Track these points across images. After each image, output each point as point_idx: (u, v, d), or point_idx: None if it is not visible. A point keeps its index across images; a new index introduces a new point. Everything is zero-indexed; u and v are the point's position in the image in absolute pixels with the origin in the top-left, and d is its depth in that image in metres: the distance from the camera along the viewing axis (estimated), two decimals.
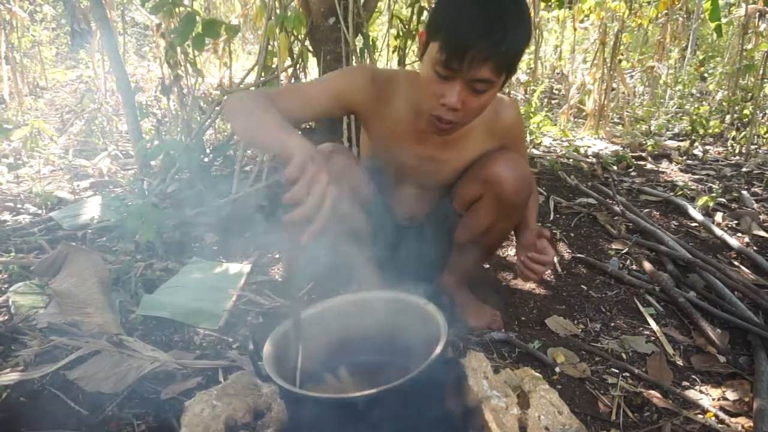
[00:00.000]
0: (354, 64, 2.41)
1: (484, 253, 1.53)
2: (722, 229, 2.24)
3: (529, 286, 1.76)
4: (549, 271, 1.90)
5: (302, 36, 2.43)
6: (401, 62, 2.87)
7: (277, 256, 1.92)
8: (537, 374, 1.12)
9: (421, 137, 1.31)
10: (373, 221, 1.46)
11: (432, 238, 1.50)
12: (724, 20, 4.08)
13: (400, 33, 2.78)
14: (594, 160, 3.40)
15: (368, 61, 2.46)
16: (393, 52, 2.99)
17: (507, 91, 5.13)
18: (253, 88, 2.53)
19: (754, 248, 2.10)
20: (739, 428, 1.15)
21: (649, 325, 1.56)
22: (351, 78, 1.30)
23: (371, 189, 1.43)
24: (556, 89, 6.10)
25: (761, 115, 4.16)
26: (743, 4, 3.98)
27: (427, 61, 1.11)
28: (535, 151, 3.63)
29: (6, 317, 1.47)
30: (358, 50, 2.41)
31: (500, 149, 1.35)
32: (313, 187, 0.84)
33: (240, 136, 1.32)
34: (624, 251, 2.03)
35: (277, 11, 2.28)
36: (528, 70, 5.57)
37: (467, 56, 1.02)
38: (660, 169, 3.33)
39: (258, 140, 1.08)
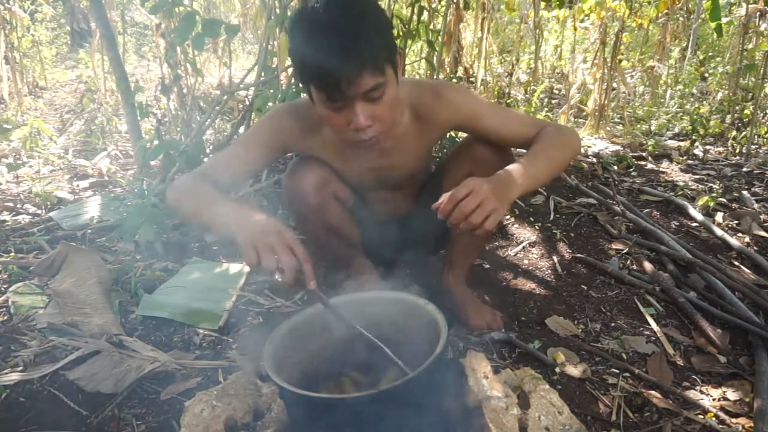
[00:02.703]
0: None
1: (479, 240, 1.52)
2: (722, 229, 2.24)
3: (529, 285, 1.76)
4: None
5: None
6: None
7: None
8: (537, 374, 1.12)
9: (358, 153, 1.29)
10: (362, 223, 1.46)
11: (423, 235, 1.50)
12: (724, 20, 4.07)
13: (400, 33, 2.77)
14: (594, 160, 3.39)
15: None
16: None
17: (508, 91, 5.13)
18: (253, 89, 2.53)
19: (755, 248, 2.10)
20: (740, 428, 1.15)
21: (650, 325, 1.56)
22: (277, 123, 1.29)
23: (352, 193, 1.43)
24: (557, 89, 6.10)
25: (762, 114, 4.16)
26: (744, 4, 3.98)
27: (316, 101, 1.09)
28: None
29: (6, 317, 1.47)
30: None
31: (471, 138, 1.36)
32: (278, 253, 0.90)
33: (189, 222, 1.40)
34: (624, 251, 2.03)
35: (277, 11, 2.28)
36: (528, 70, 5.57)
37: (341, 83, 1.00)
38: (660, 169, 3.33)
39: (204, 225, 1.13)
